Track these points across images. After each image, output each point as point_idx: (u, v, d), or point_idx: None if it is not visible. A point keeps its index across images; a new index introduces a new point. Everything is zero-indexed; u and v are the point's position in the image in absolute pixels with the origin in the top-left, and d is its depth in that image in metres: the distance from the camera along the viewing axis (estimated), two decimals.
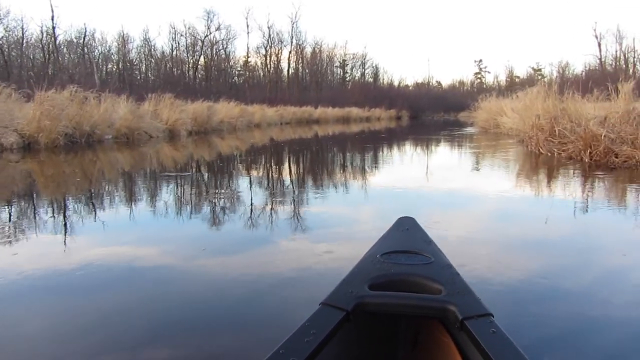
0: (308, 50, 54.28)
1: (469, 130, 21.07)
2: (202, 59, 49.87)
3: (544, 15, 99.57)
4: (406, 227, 1.88)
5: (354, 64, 60.41)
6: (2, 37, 37.31)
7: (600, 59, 47.95)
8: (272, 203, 5.00)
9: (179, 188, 6.14)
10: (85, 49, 43.62)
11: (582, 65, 59.77)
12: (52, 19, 38.55)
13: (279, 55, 51.92)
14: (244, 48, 64.44)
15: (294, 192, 5.87)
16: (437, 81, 78.04)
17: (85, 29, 45.16)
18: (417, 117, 52.68)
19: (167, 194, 5.73)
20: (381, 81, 63.76)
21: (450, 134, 20.10)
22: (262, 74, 53.72)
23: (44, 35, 39.71)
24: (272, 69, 52.44)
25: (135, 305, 2.36)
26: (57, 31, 39.26)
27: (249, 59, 52.32)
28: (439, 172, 7.64)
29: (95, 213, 4.63)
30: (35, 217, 4.45)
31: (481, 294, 1.36)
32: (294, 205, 4.91)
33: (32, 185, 6.77)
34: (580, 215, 4.29)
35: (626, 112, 8.86)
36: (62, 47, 42.67)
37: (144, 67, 51.71)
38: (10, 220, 4.35)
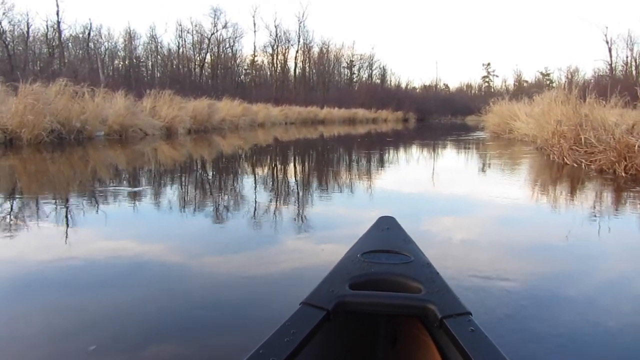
0: (315, 50, 53.36)
1: (480, 134, 20.05)
2: (208, 56, 49.04)
3: (553, 20, 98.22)
4: (386, 227, 1.86)
5: (362, 64, 59.48)
6: (6, 31, 36.56)
7: (610, 64, 46.73)
8: (270, 209, 4.59)
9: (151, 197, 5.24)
10: (91, 45, 42.86)
11: (592, 70, 58.51)
12: (57, 14, 37.80)
13: (286, 54, 51.02)
14: (250, 47, 63.19)
15: (293, 197, 5.46)
16: (444, 84, 77.02)
17: (90, 24, 44.45)
18: (424, 119, 51.71)
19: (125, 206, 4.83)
20: (388, 83, 62.79)
21: (461, 138, 19.10)
22: (268, 73, 52.80)
23: (49, 30, 39.00)
24: (278, 68, 51.50)
25: (126, 304, 2.28)
26: (63, 26, 38.57)
27: (256, 58, 51.46)
28: (452, 186, 6.68)
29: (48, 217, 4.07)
30: None
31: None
32: (293, 209, 4.60)
33: None
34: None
35: None
36: (68, 42, 42.02)
37: (150, 65, 51.04)
38: None
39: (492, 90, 71.81)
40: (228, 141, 15.21)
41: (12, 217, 4.15)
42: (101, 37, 46.68)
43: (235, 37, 49.99)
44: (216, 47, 49.03)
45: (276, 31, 50.18)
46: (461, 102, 63.55)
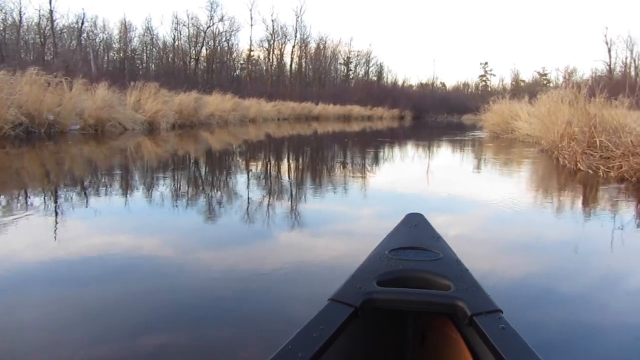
0: (312, 45, 52.23)
1: (478, 134, 19.10)
2: (204, 50, 47.86)
3: (552, 20, 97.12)
4: (414, 224, 1.82)
5: (358, 61, 58.32)
6: None
7: (609, 65, 45.81)
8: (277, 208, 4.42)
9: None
10: (85, 35, 41.64)
11: (589, 71, 57.62)
12: (50, 2, 36.61)
13: (282, 49, 49.88)
14: (247, 41, 61.66)
15: (292, 196, 5.19)
16: (441, 82, 75.88)
17: (84, 14, 43.25)
18: (420, 117, 50.73)
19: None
20: (385, 80, 61.66)
21: (459, 137, 18.14)
22: (264, 68, 51.68)
23: (42, 19, 37.76)
24: (274, 63, 50.41)
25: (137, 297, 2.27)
26: (55, 16, 37.33)
27: (253, 53, 50.33)
28: (456, 192, 5.73)
29: None
30: None
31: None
32: (289, 207, 4.48)
33: None
34: None
35: None
36: (63, 33, 40.77)
37: (145, 57, 49.84)
38: None
39: (489, 89, 70.81)
40: (215, 137, 14.24)
41: None
42: (96, 28, 45.47)
43: (232, 31, 48.81)
44: (212, 41, 47.84)
45: (273, 25, 49.07)
46: (458, 100, 62.52)
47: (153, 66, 49.08)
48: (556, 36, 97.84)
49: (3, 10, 36.27)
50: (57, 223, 3.64)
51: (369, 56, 58.13)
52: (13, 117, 10.02)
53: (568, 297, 2.39)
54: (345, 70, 58.23)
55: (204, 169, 7.52)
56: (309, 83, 51.08)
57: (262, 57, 51.62)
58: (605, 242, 3.49)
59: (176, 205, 4.46)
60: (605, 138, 7.52)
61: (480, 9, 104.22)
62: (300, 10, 55.17)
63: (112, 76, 19.42)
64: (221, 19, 47.31)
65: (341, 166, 8.39)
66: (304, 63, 52.03)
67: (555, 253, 3.20)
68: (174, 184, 5.72)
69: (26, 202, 4.39)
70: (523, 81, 68.12)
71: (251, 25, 49.70)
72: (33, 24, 38.54)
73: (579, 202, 5.19)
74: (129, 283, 2.45)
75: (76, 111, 12.25)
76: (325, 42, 53.01)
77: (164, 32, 75.81)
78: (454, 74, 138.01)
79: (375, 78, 59.55)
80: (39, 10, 38.43)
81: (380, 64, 62.31)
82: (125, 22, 45.79)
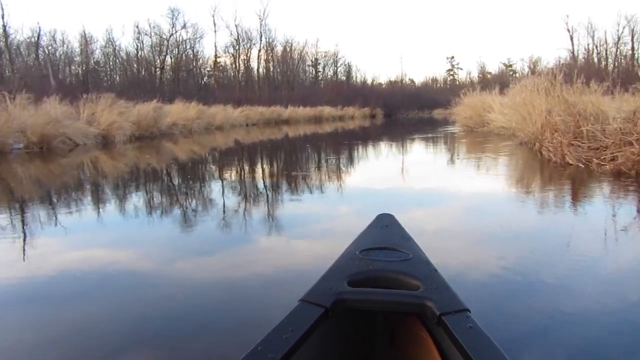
0: (279, 48, 51.21)
1: (452, 129, 18.42)
2: (168, 59, 46.48)
3: (515, 10, 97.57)
4: (385, 224, 1.81)
5: (326, 62, 57.47)
6: None
7: (572, 52, 45.88)
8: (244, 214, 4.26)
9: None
10: (42, 50, 39.96)
11: (553, 59, 57.93)
12: (2, 17, 34.85)
13: (248, 54, 48.75)
14: (212, 48, 60.09)
15: (261, 201, 5.02)
16: (410, 79, 75.51)
17: (39, 28, 41.50)
18: (391, 115, 50.15)
19: None
20: (354, 79, 60.94)
21: (432, 134, 17.43)
22: (232, 74, 50.47)
23: None
24: (241, 68, 49.24)
25: (111, 311, 2.22)
26: (10, 30, 35.61)
27: (219, 59, 49.09)
28: (428, 197, 4.92)
29: None
30: None
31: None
32: (260, 213, 4.33)
33: None
34: None
35: None
36: (19, 48, 39.02)
37: (109, 69, 48.25)
38: None
39: (457, 83, 70.83)
40: (177, 147, 13.27)
41: None
42: (55, 42, 43.81)
43: (196, 38, 47.51)
44: (176, 49, 46.50)
45: (237, 30, 47.89)
46: (427, 96, 62.29)
47: (118, 78, 47.58)
48: (519, 27, 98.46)
49: None
50: None
51: (337, 56, 57.38)
52: None
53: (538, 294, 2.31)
54: (314, 72, 57.37)
55: (161, 182, 6.65)
56: (278, 86, 50.04)
57: (228, 63, 50.45)
58: (611, 251, 3.00)
59: (131, 220, 4.20)
60: (591, 127, 6.82)
61: (444, 3, 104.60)
62: (264, 14, 53.81)
63: (71, 90, 18.20)
64: (184, 27, 46.02)
65: (313, 170, 7.58)
66: (271, 67, 50.99)
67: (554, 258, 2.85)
68: (126, 200, 5.27)
69: None
70: (490, 73, 68.25)
71: (215, 31, 48.15)
72: None
73: (581, 206, 4.40)
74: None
75: (17, 129, 11.14)
76: (292, 45, 52.05)
77: (126, 43, 73.63)
78: (422, 70, 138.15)
79: (344, 78, 58.83)
80: None
81: (348, 63, 61.55)
82: (85, 34, 44.23)
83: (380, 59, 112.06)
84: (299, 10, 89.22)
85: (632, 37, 41.41)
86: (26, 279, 2.76)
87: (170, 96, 21.39)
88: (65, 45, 44.59)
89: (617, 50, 43.68)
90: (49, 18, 70.92)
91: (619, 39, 43.09)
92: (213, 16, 46.96)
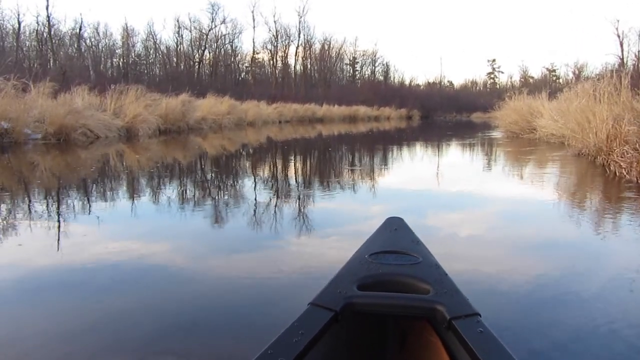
0: (317, 46, 50.31)
1: (494, 134, 17.14)
2: (207, 53, 46.19)
3: (560, 14, 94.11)
4: (394, 228, 1.78)
5: (364, 61, 56.33)
6: None
7: (622, 58, 43.37)
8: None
9: None
10: (84, 42, 40.17)
11: (600, 65, 55.20)
12: (47, 9, 35.07)
13: (286, 51, 48.03)
14: (250, 43, 59.43)
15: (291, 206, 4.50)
16: (448, 81, 73.57)
17: (82, 19, 41.83)
18: (428, 117, 48.70)
19: None
20: (392, 79, 59.57)
21: (473, 139, 16.20)
22: (269, 70, 49.89)
23: (40, 26, 36.30)
24: (279, 64, 48.53)
25: (133, 306, 2.18)
26: (53, 22, 35.86)
27: (257, 55, 48.57)
28: (471, 234, 3.88)
29: None
30: None
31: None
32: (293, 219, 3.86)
33: None
34: None
35: None
36: (62, 39, 39.32)
37: (149, 62, 48.33)
38: None
39: (498, 86, 68.59)
40: (204, 142, 12.51)
41: None
42: (98, 34, 44.09)
43: (235, 33, 47.11)
44: (215, 44, 46.17)
45: (275, 27, 47.25)
46: (466, 99, 60.44)
47: (158, 71, 47.64)
48: (564, 31, 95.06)
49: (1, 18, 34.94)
50: None
51: (375, 56, 56.19)
52: None
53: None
54: (352, 71, 56.28)
55: (176, 179, 6.05)
56: (315, 84, 49.20)
57: (266, 59, 49.90)
58: None
59: (138, 219, 3.97)
60: None
61: (487, 6, 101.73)
62: (303, 11, 53.16)
63: (101, 81, 17.72)
64: (223, 22, 45.66)
65: (341, 174, 6.62)
66: (308, 64, 50.19)
67: None
68: (132, 199, 4.83)
69: None
70: (532, 78, 65.79)
71: (254, 27, 47.95)
72: (32, 30, 37.11)
73: None
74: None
75: (35, 118, 10.55)
76: (330, 43, 51.11)
77: (166, 37, 74.05)
78: (461, 72, 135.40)
79: (381, 78, 57.55)
80: (37, 17, 36.80)
81: (386, 63, 60.23)
82: (127, 27, 44.37)
83: (420, 59, 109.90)
84: (339, 8, 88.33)
85: None
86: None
87: (205, 90, 20.77)
88: (107, 38, 44.93)
89: None
90: (90, 10, 71.73)
91: None
92: (252, 12, 46.74)
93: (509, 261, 2.89)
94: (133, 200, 4.80)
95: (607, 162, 6.71)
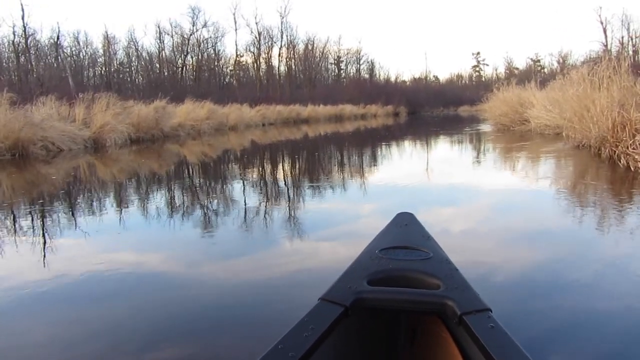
0: (300, 47, 49.36)
1: (484, 127, 16.33)
2: (189, 58, 45.14)
3: (543, 4, 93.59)
4: (405, 223, 1.75)
5: (349, 59, 55.45)
6: None
7: (605, 45, 42.82)
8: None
9: None
10: (63, 51, 39.02)
11: (585, 53, 54.75)
12: (23, 18, 33.89)
13: (270, 52, 47.02)
14: (233, 47, 58.25)
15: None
16: (434, 76, 72.85)
17: (59, 28, 40.65)
18: (415, 112, 47.91)
19: None
20: (377, 77, 58.75)
21: (461, 133, 15.40)
22: (252, 73, 48.88)
23: (16, 36, 35.10)
24: (263, 66, 47.51)
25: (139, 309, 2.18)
26: (30, 31, 34.67)
27: (240, 58, 47.58)
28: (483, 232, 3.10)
29: None
30: None
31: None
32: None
33: None
34: None
35: None
36: (44, 49, 38.15)
37: (133, 69, 47.22)
38: None
39: (483, 79, 68.05)
40: (180, 150, 11.59)
41: None
42: (79, 43, 42.97)
43: (217, 37, 46.07)
44: (197, 48, 45.11)
45: (258, 28, 46.26)
46: (452, 93, 59.84)
47: (141, 78, 46.58)
48: (547, 21, 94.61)
49: None
50: None
51: (360, 54, 55.27)
52: None
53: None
54: (337, 70, 55.41)
55: (158, 190, 5.39)
56: (300, 85, 48.29)
57: (250, 61, 48.91)
58: None
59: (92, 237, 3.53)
60: None
61: None
62: (285, 11, 52.15)
63: (68, 91, 16.71)
64: (205, 25, 44.66)
65: (329, 174, 5.86)
66: (293, 65, 49.24)
67: None
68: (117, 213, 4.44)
69: None
70: (517, 69, 65.24)
71: (235, 29, 46.92)
72: (7, 41, 35.88)
73: None
74: None
75: None
76: (314, 42, 50.14)
77: (148, 43, 72.68)
78: (446, 66, 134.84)
79: (367, 75, 56.71)
80: (13, 28, 35.58)
81: (371, 61, 59.34)
82: (107, 35, 43.28)
83: (404, 56, 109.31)
84: (321, 7, 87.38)
85: None
86: None
87: (187, 96, 19.77)
88: (88, 47, 43.84)
89: None
90: (70, 19, 70.16)
91: None
92: (234, 14, 45.79)
93: (521, 259, 2.74)
94: (86, 217, 4.20)
95: (614, 154, 5.90)
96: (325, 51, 51.80)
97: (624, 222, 3.31)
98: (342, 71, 55.61)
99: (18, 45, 34.83)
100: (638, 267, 2.54)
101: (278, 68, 47.93)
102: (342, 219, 3.83)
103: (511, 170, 6.61)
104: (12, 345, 1.90)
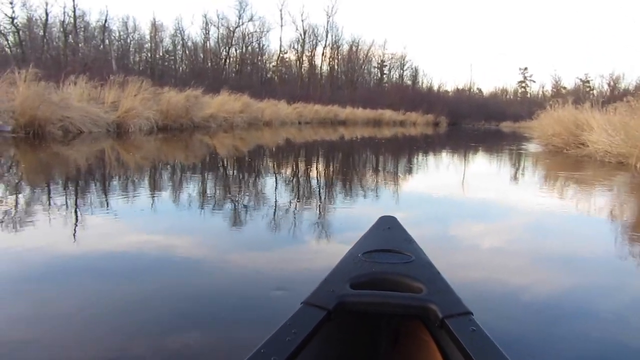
0: (344, 47, 48.40)
1: (531, 147, 15.04)
2: (233, 50, 44.83)
3: (595, 23, 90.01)
4: (387, 226, 1.74)
5: (393, 64, 54.20)
6: (18, 16, 33.20)
7: None
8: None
9: None
10: (110, 35, 39.22)
11: (638, 77, 52.07)
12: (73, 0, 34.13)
13: (313, 51, 46.25)
14: (277, 43, 57.83)
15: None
16: (478, 88, 70.72)
17: (107, 11, 40.95)
18: (456, 124, 46.38)
19: None
20: (420, 84, 57.29)
21: (508, 151, 14.19)
22: (294, 70, 48.23)
23: (66, 16, 35.41)
24: (305, 64, 46.80)
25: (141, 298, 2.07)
26: (79, 13, 34.95)
27: (284, 54, 47.00)
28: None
29: None
30: None
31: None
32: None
33: None
34: None
35: None
36: (94, 31, 38.47)
37: (178, 58, 47.35)
38: None
39: (529, 95, 65.74)
40: (206, 142, 10.83)
41: None
42: (127, 29, 43.26)
43: (262, 32, 45.65)
44: (242, 41, 44.77)
45: (303, 26, 45.58)
46: (495, 107, 57.86)
47: (185, 67, 46.65)
48: (600, 41, 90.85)
49: (30, 8, 34.19)
50: None
51: (404, 59, 54.04)
52: None
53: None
54: (379, 74, 54.23)
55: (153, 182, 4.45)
56: (341, 86, 47.37)
57: (293, 59, 48.30)
58: None
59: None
60: None
61: (519, 13, 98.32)
62: (332, 11, 51.44)
63: (100, 71, 16.24)
64: (251, 19, 44.29)
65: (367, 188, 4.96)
66: (335, 65, 48.35)
67: None
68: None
69: None
70: (564, 88, 62.68)
71: (281, 25, 46.26)
72: (59, 21, 36.24)
73: None
74: None
75: (12, 108, 9.03)
76: (358, 44, 49.17)
77: (194, 33, 72.95)
78: (491, 79, 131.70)
79: (409, 82, 55.34)
80: (64, 8, 35.97)
81: (415, 67, 58.04)
82: (155, 22, 43.46)
83: (449, 65, 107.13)
84: (368, 10, 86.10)
85: None
86: None
87: (230, 88, 19.12)
88: (136, 32, 44.15)
89: None
90: (121, 3, 70.85)
91: None
92: (280, 10, 45.17)
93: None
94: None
95: None
96: (369, 54, 50.84)
97: None
98: (384, 76, 54.45)
99: (67, 25, 35.11)
100: None
101: (320, 67, 47.19)
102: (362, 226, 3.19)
103: (580, 207, 5.51)
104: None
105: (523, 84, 71.24)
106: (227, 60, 44.80)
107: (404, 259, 1.43)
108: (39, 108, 8.88)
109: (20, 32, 33.41)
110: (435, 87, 59.50)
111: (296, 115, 23.11)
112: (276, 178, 6.03)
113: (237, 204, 4.17)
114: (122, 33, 42.94)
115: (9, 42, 33.58)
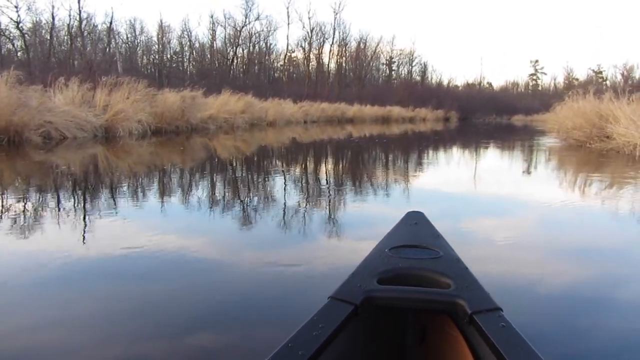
0: (352, 44, 47.34)
1: (549, 141, 13.99)
2: (240, 50, 44.02)
3: (608, 14, 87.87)
4: (414, 222, 1.69)
5: (401, 60, 53.02)
6: (23, 20, 32.72)
7: None
8: None
9: None
10: (116, 36, 38.64)
11: None
12: (78, 2, 33.55)
13: (321, 49, 45.27)
14: (284, 42, 56.96)
15: None
16: (488, 82, 69.20)
17: (112, 14, 40.34)
18: (467, 119, 45.15)
19: None
20: (429, 79, 56.04)
21: (526, 147, 13.17)
22: (302, 68, 47.31)
23: (71, 19, 34.85)
24: (313, 62, 45.83)
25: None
26: (84, 15, 34.37)
27: (292, 53, 46.09)
28: None
29: None
30: None
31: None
32: None
33: None
34: None
35: None
36: (92, 33, 37.90)
37: (185, 59, 46.71)
38: None
39: (540, 88, 64.17)
40: (213, 144, 10.00)
41: None
42: (134, 31, 42.72)
43: (269, 31, 44.79)
44: (249, 41, 43.95)
45: (310, 24, 44.65)
46: (506, 101, 56.53)
47: (192, 68, 46.00)
48: (612, 31, 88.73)
49: (35, 11, 33.71)
50: None
51: (412, 55, 52.82)
52: None
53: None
54: (388, 71, 53.08)
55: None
56: (349, 84, 46.36)
57: (300, 57, 47.38)
58: None
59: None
60: None
61: (530, 4, 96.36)
62: (339, 7, 50.36)
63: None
64: (257, 18, 43.40)
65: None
66: (343, 63, 47.33)
67: None
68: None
69: None
70: (577, 80, 61.04)
71: (288, 24, 45.14)
72: (64, 24, 35.71)
73: None
74: None
75: None
76: (366, 41, 48.06)
77: (201, 34, 72.35)
78: (501, 73, 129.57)
79: (418, 78, 54.13)
80: (69, 11, 35.46)
81: (424, 63, 56.85)
82: (162, 24, 42.85)
83: (458, 60, 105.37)
84: (376, 5, 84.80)
85: None
86: None
87: (231, 87, 18.30)
88: (143, 34, 43.62)
89: None
90: (127, 5, 70.54)
91: None
92: (287, 8, 44.06)
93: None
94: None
95: None
96: (377, 51, 49.69)
97: None
98: (393, 72, 53.29)
99: (72, 28, 34.55)
100: None
101: (328, 65, 46.21)
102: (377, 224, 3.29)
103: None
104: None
105: (534, 77, 69.63)
106: (235, 60, 44.02)
107: (432, 254, 1.40)
108: (14, 113, 8.07)
109: (26, 36, 32.89)
110: (445, 82, 58.28)
111: (302, 114, 22.21)
112: (294, 179, 5.83)
113: (249, 205, 4.06)
114: (129, 35, 42.42)
115: (15, 46, 33.16)
